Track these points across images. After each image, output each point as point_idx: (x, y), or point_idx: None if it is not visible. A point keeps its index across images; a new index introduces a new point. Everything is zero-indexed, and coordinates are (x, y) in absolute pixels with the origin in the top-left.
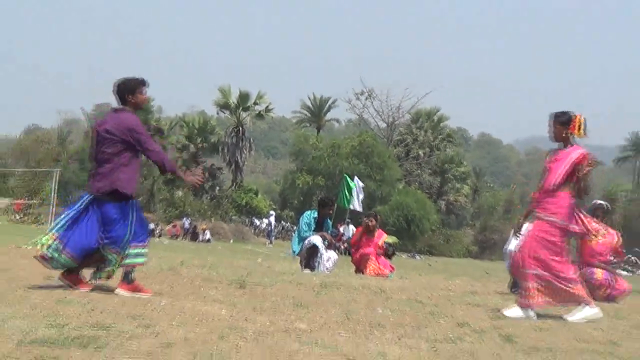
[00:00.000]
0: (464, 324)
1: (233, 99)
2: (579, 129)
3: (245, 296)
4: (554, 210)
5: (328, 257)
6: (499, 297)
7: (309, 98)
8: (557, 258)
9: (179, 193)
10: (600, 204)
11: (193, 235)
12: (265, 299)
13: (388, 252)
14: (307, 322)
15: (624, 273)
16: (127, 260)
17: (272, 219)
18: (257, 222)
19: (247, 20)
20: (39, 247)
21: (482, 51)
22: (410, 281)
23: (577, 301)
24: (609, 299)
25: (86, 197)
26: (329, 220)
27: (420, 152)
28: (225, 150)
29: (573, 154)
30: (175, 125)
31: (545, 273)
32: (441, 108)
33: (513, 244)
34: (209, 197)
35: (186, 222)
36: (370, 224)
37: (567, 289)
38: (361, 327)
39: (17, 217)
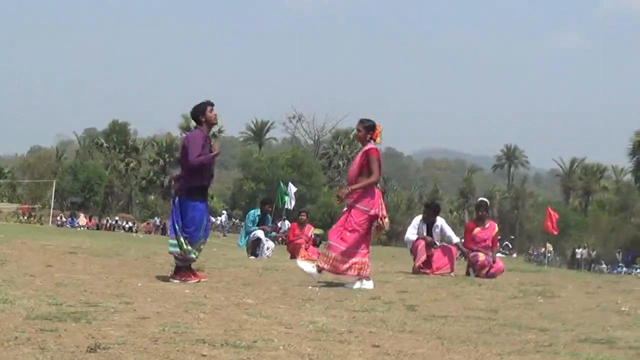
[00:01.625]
0: (376, 297)
1: (193, 123)
2: (379, 136)
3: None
4: (357, 199)
5: (268, 246)
6: (402, 275)
7: (252, 121)
8: (349, 234)
9: (152, 197)
10: (483, 200)
11: (163, 230)
12: (220, 280)
13: (316, 242)
14: (253, 297)
15: (500, 255)
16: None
17: (224, 217)
18: (212, 219)
19: (204, 57)
20: (182, 252)
21: (388, 80)
22: None
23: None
24: (489, 276)
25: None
26: (269, 216)
27: (340, 163)
28: None
29: (365, 148)
30: (147, 144)
31: (338, 246)
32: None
33: (411, 234)
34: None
35: (157, 220)
36: (302, 217)
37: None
38: (295, 301)
39: (24, 219)
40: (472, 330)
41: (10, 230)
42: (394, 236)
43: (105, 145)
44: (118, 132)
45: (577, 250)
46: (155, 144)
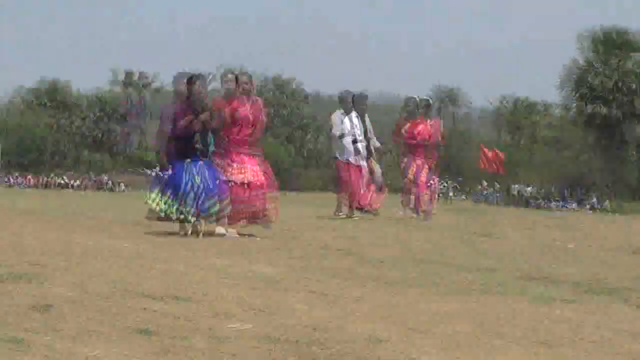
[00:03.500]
0: (318, 244)
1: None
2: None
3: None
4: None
5: None
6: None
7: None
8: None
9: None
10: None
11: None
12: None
13: None
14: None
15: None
16: None
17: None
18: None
19: None
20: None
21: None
22: None
23: None
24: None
25: None
26: None
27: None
28: None
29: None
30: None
31: None
32: None
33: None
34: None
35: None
36: None
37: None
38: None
39: None
40: (415, 272)
41: None
42: None
43: (46, 104)
44: (55, 91)
45: (521, 187)
46: (99, 101)
